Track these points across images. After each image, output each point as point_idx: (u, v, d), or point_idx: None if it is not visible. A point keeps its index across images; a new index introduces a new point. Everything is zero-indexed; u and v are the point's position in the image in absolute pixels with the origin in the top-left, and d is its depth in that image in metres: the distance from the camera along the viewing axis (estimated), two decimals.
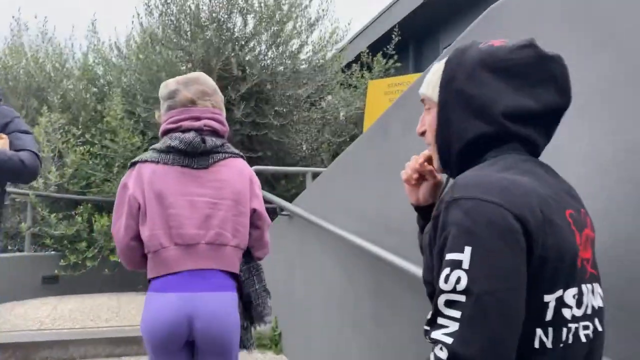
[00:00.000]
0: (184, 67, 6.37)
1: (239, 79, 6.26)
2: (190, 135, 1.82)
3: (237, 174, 1.89)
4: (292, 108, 6.91)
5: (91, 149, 6.04)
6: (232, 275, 1.85)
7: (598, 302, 0.92)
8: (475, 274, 0.78)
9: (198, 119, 1.87)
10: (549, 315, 0.83)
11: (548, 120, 0.96)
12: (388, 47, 7.98)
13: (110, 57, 7.49)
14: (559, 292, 0.84)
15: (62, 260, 5.42)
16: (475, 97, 0.94)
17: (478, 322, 0.77)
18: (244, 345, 1.96)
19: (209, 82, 1.95)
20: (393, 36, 7.98)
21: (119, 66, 7.26)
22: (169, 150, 1.84)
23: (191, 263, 1.76)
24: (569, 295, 0.85)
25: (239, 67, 6.17)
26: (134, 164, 1.88)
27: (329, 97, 7.67)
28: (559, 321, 0.84)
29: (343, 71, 7.85)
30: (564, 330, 0.84)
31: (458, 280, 0.79)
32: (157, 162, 1.83)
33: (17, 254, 5.41)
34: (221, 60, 6.08)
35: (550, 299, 0.83)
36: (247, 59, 6.39)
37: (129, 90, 6.61)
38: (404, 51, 8.61)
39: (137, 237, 1.80)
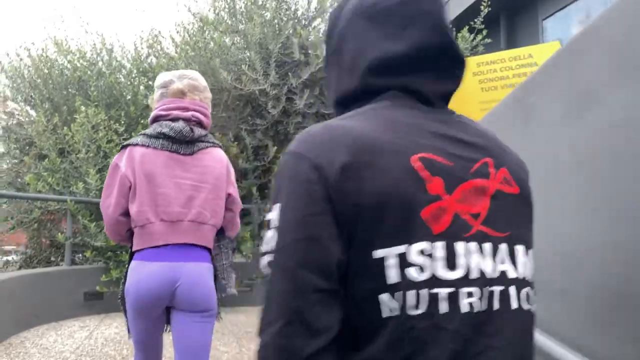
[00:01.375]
0: (240, 54, 5.56)
1: (301, 64, 5.37)
2: (180, 124, 2.03)
3: (217, 161, 2.11)
4: None
5: None
6: (208, 250, 2.05)
7: (504, 268, 0.76)
8: (276, 231, 0.73)
9: (187, 109, 2.07)
10: (393, 277, 0.71)
11: (430, 61, 0.85)
12: (475, 20, 6.79)
13: (160, 46, 6.82)
14: (399, 248, 0.71)
15: (103, 276, 4.78)
16: (346, 51, 0.88)
17: (267, 282, 0.71)
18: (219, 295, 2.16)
19: (200, 80, 2.17)
20: (481, 8, 6.79)
21: (169, 55, 6.58)
22: (158, 136, 2.03)
23: (175, 237, 1.95)
24: (414, 251, 0.71)
25: (302, 50, 5.27)
26: (125, 146, 2.04)
27: None
28: (407, 284, 0.71)
29: None
30: (413, 294, 0.70)
31: (270, 241, 0.73)
32: (147, 147, 2.01)
33: (55, 268, 4.83)
34: (280, 41, 5.21)
35: (383, 254, 0.71)
36: (310, 39, 5.48)
37: None
38: (494, 25, 7.39)
39: (126, 213, 1.99)
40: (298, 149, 0.75)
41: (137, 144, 2.00)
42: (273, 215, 0.73)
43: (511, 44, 7.52)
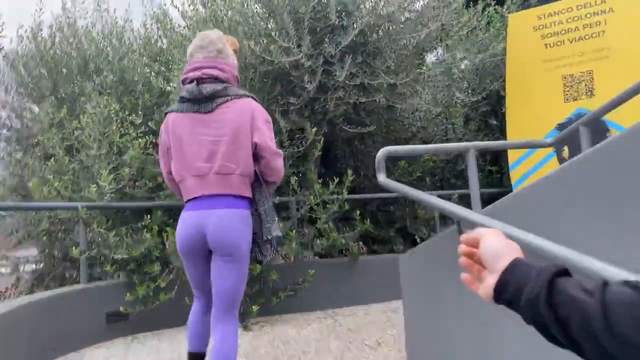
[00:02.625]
0: (264, 24, 4.75)
1: (338, 28, 4.55)
2: (191, 86, 2.24)
3: (238, 113, 2.22)
4: (408, 62, 5.09)
5: (156, 140, 4.62)
6: (243, 197, 2.25)
7: None
8: None
9: (198, 69, 2.26)
10: None
11: None
12: None
13: (171, 24, 6.03)
14: None
15: (128, 294, 4.07)
16: None
17: None
18: (257, 257, 2.35)
19: (208, 37, 2.32)
20: None
21: (180, 33, 5.79)
22: (182, 100, 2.30)
23: (205, 189, 2.22)
24: None
25: (337, 12, 4.43)
26: (166, 114, 2.39)
27: (449, 43, 5.73)
28: None
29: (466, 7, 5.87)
30: None
31: None
32: (177, 111, 2.31)
33: (71, 287, 4.13)
34: (312, 4, 4.39)
35: None
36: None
37: None
38: None
39: (171, 171, 2.37)
40: None
41: (171, 111, 2.33)
42: None
43: None
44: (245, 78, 4.73)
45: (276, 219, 2.35)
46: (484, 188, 5.83)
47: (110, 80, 5.48)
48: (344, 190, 4.69)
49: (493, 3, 6.05)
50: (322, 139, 4.45)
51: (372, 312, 4.84)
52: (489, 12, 5.91)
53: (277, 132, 4.78)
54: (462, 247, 0.85)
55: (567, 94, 5.27)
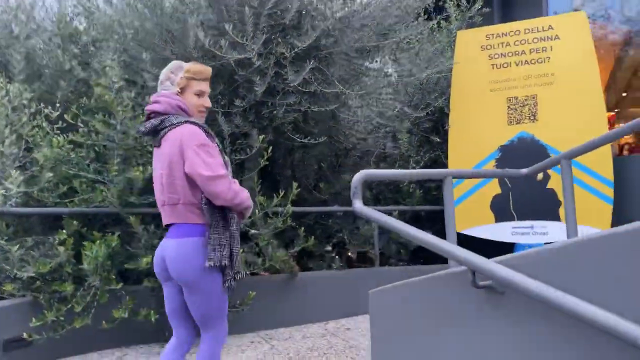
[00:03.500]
0: (214, 15, 4.24)
1: (291, 29, 4.17)
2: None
3: (171, 144, 2.22)
4: (358, 71, 4.82)
5: (74, 137, 3.98)
6: (196, 225, 2.24)
7: None
8: None
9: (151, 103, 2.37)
10: None
11: None
12: None
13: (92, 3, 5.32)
14: None
15: (34, 319, 3.42)
16: None
17: None
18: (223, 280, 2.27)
19: (164, 70, 2.40)
20: None
21: (107, 15, 5.11)
22: None
23: (165, 219, 2.32)
24: None
25: (296, 11, 4.03)
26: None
27: (398, 56, 5.55)
28: None
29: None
30: None
31: None
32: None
33: None
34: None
35: None
36: None
37: (127, 49, 4.48)
38: None
39: None
40: None
41: None
42: None
43: (506, 15, 6.70)
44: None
45: (220, 249, 2.21)
46: (423, 205, 5.73)
47: (16, 62, 4.68)
48: (288, 204, 4.33)
49: (438, 17, 5.98)
50: (271, 147, 4.04)
51: (311, 335, 4.51)
52: (434, 25, 5.82)
53: (218, 134, 4.33)
54: None
55: (510, 117, 5.28)
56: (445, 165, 5.72)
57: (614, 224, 4.87)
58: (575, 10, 6.16)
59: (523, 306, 1.75)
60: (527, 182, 5.17)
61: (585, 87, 4.99)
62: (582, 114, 4.98)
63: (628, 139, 6.30)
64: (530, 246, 5.08)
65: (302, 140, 4.25)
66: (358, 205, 2.52)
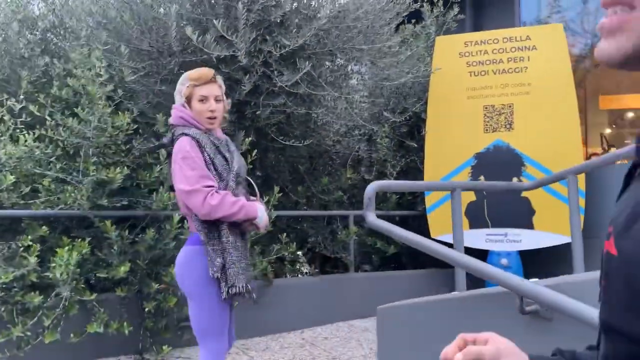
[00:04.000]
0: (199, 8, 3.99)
1: (278, 26, 3.99)
2: None
3: (172, 159, 2.24)
4: (342, 74, 4.71)
5: (41, 132, 3.64)
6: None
7: None
8: None
9: None
10: None
11: None
12: None
13: None
14: None
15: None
16: None
17: None
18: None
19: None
20: None
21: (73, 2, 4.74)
22: None
23: None
24: None
25: (289, 9, 3.85)
26: None
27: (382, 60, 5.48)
28: None
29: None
30: None
31: None
32: None
33: None
34: None
35: None
36: None
37: (100, 38, 4.14)
38: None
39: None
40: None
41: None
42: None
43: (478, 23, 6.76)
44: (162, 66, 3.97)
45: (214, 260, 2.18)
46: (396, 210, 5.69)
47: None
48: (270, 208, 4.15)
49: (414, 23, 5.94)
50: (255, 149, 3.86)
51: (289, 345, 4.36)
52: (414, 30, 5.79)
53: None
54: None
55: (487, 125, 5.32)
56: (420, 171, 5.71)
57: (585, 233, 4.99)
58: (544, 21, 6.30)
59: (571, 334, 1.68)
60: (500, 193, 5.22)
61: (561, 98, 5.09)
62: (557, 124, 5.08)
63: (596, 150, 6.52)
64: (504, 253, 5.14)
65: (286, 143, 4.09)
66: (371, 217, 2.41)
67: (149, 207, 3.85)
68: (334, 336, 4.62)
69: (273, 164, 4.68)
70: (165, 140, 2.39)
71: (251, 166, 3.97)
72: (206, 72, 2.31)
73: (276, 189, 4.24)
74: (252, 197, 2.38)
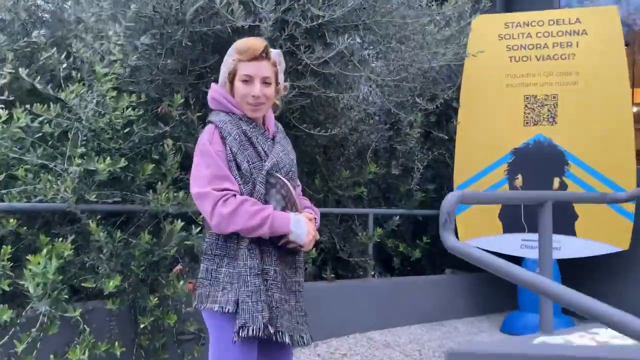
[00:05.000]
0: None
1: None
2: None
3: None
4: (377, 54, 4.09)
5: (36, 110, 3.01)
6: None
7: None
8: None
9: None
10: None
11: None
12: None
13: None
14: None
15: None
16: None
17: None
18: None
19: None
20: None
21: None
22: None
23: None
24: None
25: None
26: None
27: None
28: None
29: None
30: None
31: None
32: None
33: None
34: None
35: None
36: None
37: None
38: None
39: None
40: None
41: None
42: None
43: (510, 5, 6.14)
44: (168, 37, 3.33)
45: (229, 289, 1.74)
46: (418, 209, 5.12)
47: None
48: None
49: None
50: None
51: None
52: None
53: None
54: None
55: (527, 117, 4.74)
56: (447, 166, 5.13)
57: (634, 243, 4.48)
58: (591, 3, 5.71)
59: None
60: None
61: (613, 91, 4.52)
62: (607, 120, 4.52)
63: None
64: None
65: (313, 132, 3.49)
66: (451, 240, 1.82)
67: (147, 203, 3.24)
68: (353, 352, 4.07)
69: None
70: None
71: None
72: (256, 44, 1.82)
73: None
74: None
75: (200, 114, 3.56)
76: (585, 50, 4.62)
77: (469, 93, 4.89)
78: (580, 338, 2.10)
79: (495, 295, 5.51)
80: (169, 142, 3.24)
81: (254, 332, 1.70)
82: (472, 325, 4.99)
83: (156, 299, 3.04)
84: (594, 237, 4.50)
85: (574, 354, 1.64)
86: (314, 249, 4.13)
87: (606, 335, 2.09)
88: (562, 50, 4.68)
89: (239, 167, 1.80)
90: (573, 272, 4.59)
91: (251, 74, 1.79)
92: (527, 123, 4.74)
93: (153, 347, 3.17)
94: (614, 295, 4.46)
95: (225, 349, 1.76)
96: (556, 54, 4.70)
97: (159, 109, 3.57)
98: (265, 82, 1.81)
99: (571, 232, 4.57)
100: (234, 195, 1.74)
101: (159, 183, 3.25)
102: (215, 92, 1.88)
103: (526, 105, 4.74)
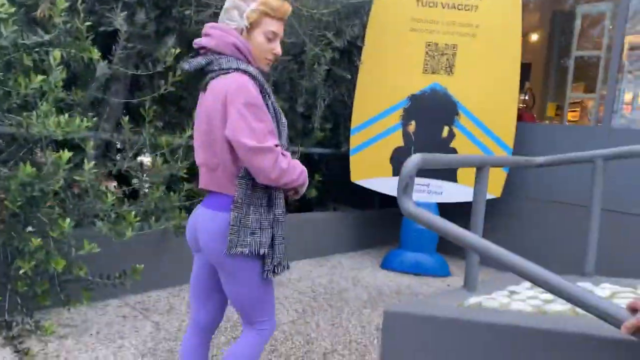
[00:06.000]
0: None
1: None
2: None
3: (213, 96, 1.75)
4: None
5: None
6: (230, 196, 1.82)
7: None
8: None
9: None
10: None
11: None
12: None
13: None
14: None
15: None
16: None
17: None
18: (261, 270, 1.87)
19: None
20: None
21: None
22: None
23: (201, 182, 1.90)
24: None
25: None
26: None
27: None
28: None
29: None
30: None
31: None
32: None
33: None
34: None
35: None
36: None
37: None
38: None
39: None
40: None
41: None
42: None
43: None
44: None
45: (260, 234, 1.81)
46: (315, 147, 5.06)
47: None
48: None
49: None
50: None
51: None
52: None
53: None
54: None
55: (427, 64, 4.81)
56: (346, 107, 5.09)
57: (505, 191, 4.92)
58: None
59: None
60: (429, 138, 4.87)
61: (506, 48, 4.74)
62: (497, 77, 4.76)
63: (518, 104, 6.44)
64: (424, 204, 4.87)
65: None
66: (410, 205, 1.77)
67: (23, 127, 2.72)
68: None
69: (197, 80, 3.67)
70: (188, 65, 1.80)
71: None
72: (287, 5, 1.85)
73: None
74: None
75: (90, 23, 3.01)
76: (487, 4, 4.74)
77: (374, 33, 4.80)
78: (506, 299, 2.23)
79: (377, 232, 5.78)
80: (57, 53, 2.70)
81: (282, 270, 1.90)
82: (355, 260, 5.20)
83: (39, 240, 2.62)
84: (473, 184, 4.82)
85: (519, 323, 1.72)
86: None
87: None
88: (466, 1, 4.76)
89: (277, 123, 1.85)
90: (453, 215, 4.93)
91: (277, 32, 1.83)
92: (426, 70, 4.82)
93: (33, 292, 2.77)
94: (486, 239, 4.89)
95: (255, 287, 1.88)
96: (460, 4, 4.76)
97: (38, 12, 2.96)
98: (279, 41, 1.89)
99: (453, 178, 4.86)
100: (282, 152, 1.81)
101: (40, 102, 2.73)
102: (240, 41, 1.80)
103: (427, 52, 4.80)
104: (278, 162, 1.71)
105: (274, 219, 1.84)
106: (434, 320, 1.94)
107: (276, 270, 1.86)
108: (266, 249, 1.81)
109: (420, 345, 1.97)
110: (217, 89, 1.73)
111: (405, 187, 1.80)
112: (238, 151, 1.71)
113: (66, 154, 2.70)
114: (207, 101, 1.77)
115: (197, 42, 1.82)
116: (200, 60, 1.79)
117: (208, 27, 1.83)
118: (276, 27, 1.83)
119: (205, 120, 1.78)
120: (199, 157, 1.87)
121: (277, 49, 1.86)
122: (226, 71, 1.74)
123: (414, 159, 1.82)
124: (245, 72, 1.74)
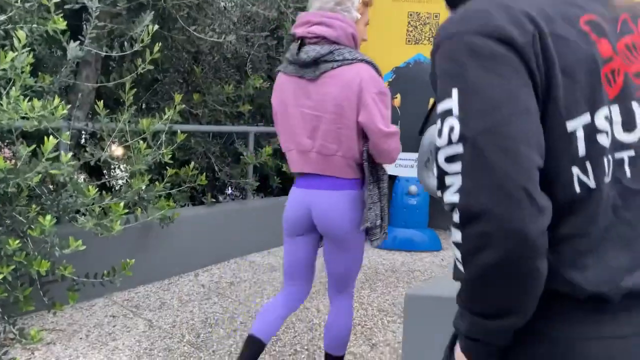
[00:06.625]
0: None
1: None
2: (294, 46, 1.92)
3: (341, 85, 1.85)
4: None
5: None
6: (349, 179, 1.97)
7: None
8: (465, 115, 0.68)
9: (306, 23, 1.89)
10: (582, 148, 0.71)
11: None
12: None
13: None
14: (585, 117, 0.71)
15: None
16: None
17: (479, 167, 0.66)
18: (370, 239, 2.05)
19: None
20: None
21: None
22: (288, 61, 1.96)
23: (307, 167, 1.99)
24: (600, 117, 0.71)
25: None
26: (278, 72, 2.03)
27: None
28: (596, 152, 0.71)
29: None
30: (604, 160, 0.71)
31: (451, 130, 0.69)
32: (284, 73, 1.97)
33: None
34: None
35: (574, 126, 0.70)
36: None
37: None
38: None
39: None
40: (467, 27, 0.70)
41: (280, 71, 2.01)
42: (450, 103, 0.69)
43: None
44: None
45: (374, 208, 2.00)
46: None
47: None
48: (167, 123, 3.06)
49: None
50: (159, 42, 2.67)
51: (188, 298, 3.47)
52: None
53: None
54: None
55: (410, 35, 4.66)
56: None
57: None
58: None
59: None
60: (416, 111, 4.75)
61: None
62: None
63: None
64: (414, 180, 4.78)
65: (209, 38, 2.94)
66: (433, 181, 1.64)
67: None
68: (239, 279, 3.84)
69: (174, 60, 3.45)
70: (312, 54, 1.84)
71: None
72: None
73: (178, 97, 3.13)
74: None
75: (58, 0, 2.75)
76: None
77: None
78: None
79: None
80: (21, 33, 2.44)
81: (386, 237, 2.11)
82: None
83: (17, 241, 2.40)
84: None
85: None
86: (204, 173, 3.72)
87: None
88: None
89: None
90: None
91: (368, 21, 2.00)
92: (409, 41, 4.67)
93: (14, 298, 2.56)
94: None
95: (361, 254, 2.10)
96: None
97: None
98: None
99: None
100: None
101: (5, 89, 2.48)
102: (354, 29, 1.90)
103: (409, 23, 4.65)
104: (399, 145, 1.93)
105: (381, 193, 2.02)
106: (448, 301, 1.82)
107: (384, 238, 2.08)
108: (379, 221, 2.00)
109: (443, 327, 1.86)
110: (346, 77, 1.83)
111: (427, 162, 1.67)
112: (372, 136, 1.85)
113: (50, 142, 2.46)
114: (328, 89, 1.85)
115: (316, 30, 1.85)
116: (320, 50, 1.85)
117: (321, 16, 1.86)
118: (368, 16, 2.03)
119: (331, 109, 1.86)
120: (302, 143, 1.96)
121: (366, 35, 2.03)
122: (350, 61, 1.84)
123: (433, 131, 1.70)
124: (368, 62, 1.88)
